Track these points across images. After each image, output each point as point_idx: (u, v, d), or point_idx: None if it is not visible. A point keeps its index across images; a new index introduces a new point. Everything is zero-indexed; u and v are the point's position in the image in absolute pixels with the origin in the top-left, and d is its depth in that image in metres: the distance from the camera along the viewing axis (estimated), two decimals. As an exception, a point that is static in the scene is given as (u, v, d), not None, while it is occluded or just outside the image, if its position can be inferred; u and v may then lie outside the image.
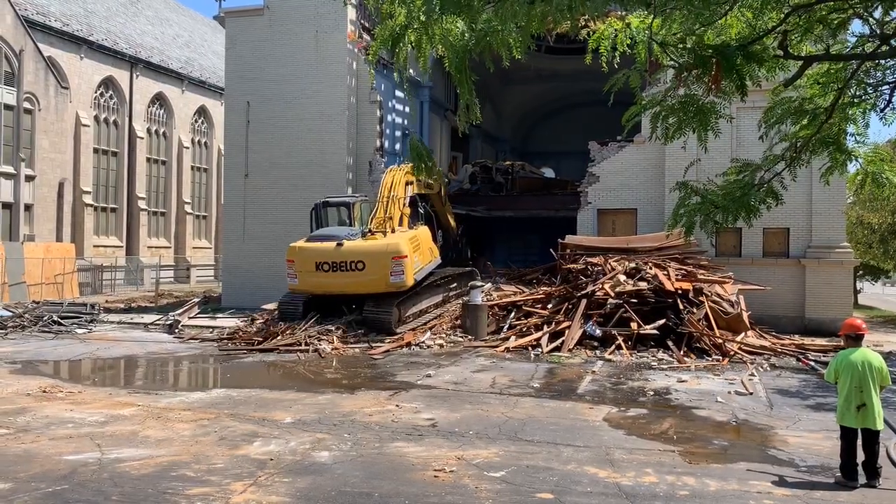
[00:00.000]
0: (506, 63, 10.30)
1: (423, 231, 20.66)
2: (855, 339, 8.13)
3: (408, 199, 20.71)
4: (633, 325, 17.06)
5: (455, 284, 22.24)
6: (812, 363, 15.64)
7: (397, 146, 27.73)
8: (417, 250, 19.09)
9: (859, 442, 7.84)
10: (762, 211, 12.79)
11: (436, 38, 9.66)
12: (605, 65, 10.56)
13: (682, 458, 8.74)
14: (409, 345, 17.56)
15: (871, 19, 11.15)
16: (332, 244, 18.34)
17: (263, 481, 7.59)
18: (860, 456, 7.82)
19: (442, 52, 10.25)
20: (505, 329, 18.58)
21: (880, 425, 7.79)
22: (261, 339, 17.89)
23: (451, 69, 10.08)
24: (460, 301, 20.95)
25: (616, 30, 10.10)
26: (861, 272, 35.80)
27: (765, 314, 20.48)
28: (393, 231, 19.11)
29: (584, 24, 16.94)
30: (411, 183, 21.28)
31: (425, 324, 19.63)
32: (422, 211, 21.65)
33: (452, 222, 26.99)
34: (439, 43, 9.83)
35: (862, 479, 7.76)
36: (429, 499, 7.12)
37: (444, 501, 7.07)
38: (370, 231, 18.82)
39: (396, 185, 20.42)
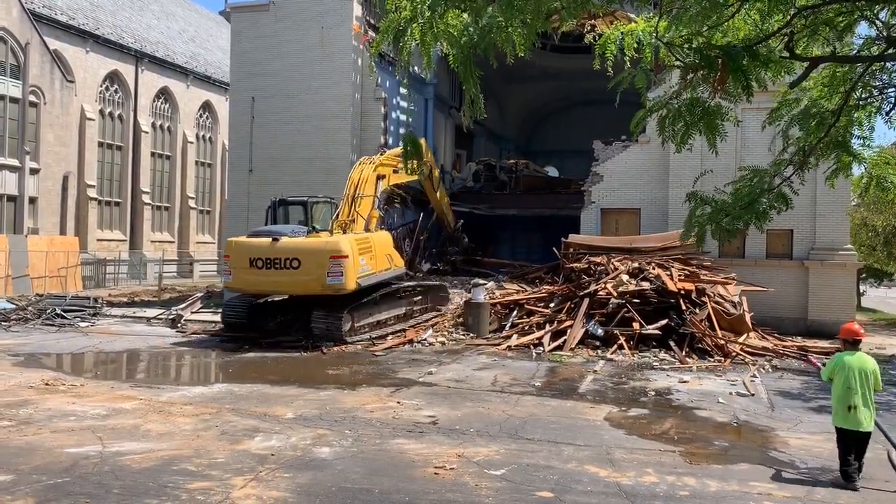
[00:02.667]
0: (510, 60, 10.30)
1: (381, 236, 19.09)
2: (853, 343, 8.30)
3: (377, 200, 19.46)
4: (636, 325, 17.05)
5: (420, 298, 20.30)
6: (820, 365, 15.61)
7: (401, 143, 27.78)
8: (367, 254, 17.51)
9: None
10: (772, 216, 12.79)
11: (440, 34, 9.65)
12: (610, 69, 10.55)
13: (682, 458, 8.74)
14: (410, 342, 17.57)
15: (877, 22, 11.12)
16: (269, 240, 17.07)
17: (264, 476, 7.60)
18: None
19: (446, 49, 10.25)
20: (507, 327, 18.59)
21: (870, 427, 7.93)
22: (262, 335, 17.79)
23: (455, 65, 10.07)
24: (426, 316, 19.80)
25: (623, 33, 10.09)
26: (864, 275, 35.75)
27: (767, 315, 20.45)
28: (368, 230, 18.12)
29: (590, 28, 16.89)
30: (384, 176, 19.89)
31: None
32: (381, 213, 20.07)
33: (448, 212, 26.20)
34: (443, 38, 9.83)
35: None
36: (429, 496, 7.13)
37: (444, 499, 7.08)
38: (314, 229, 17.63)
39: (364, 182, 18.97)
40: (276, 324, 18.50)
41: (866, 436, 7.94)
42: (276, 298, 19.15)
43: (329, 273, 16.43)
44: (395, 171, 20.65)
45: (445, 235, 27.47)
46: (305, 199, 19.27)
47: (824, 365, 8.18)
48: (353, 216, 18.33)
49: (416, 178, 22.09)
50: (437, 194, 25.01)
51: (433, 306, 20.60)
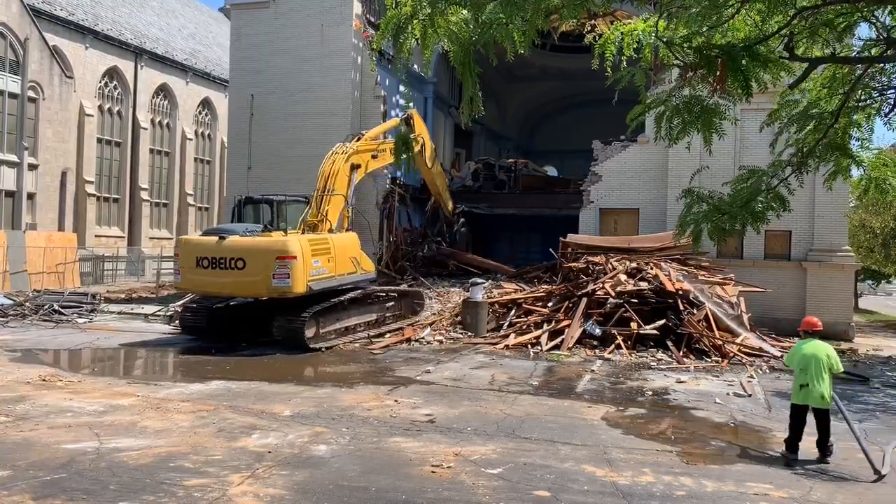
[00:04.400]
0: (510, 57, 10.31)
1: (345, 237, 17.77)
2: (812, 334, 9.10)
3: (350, 197, 18.30)
4: (633, 325, 17.06)
5: (392, 304, 19.22)
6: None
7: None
8: (323, 256, 16.34)
9: (812, 421, 8.71)
10: (769, 217, 12.78)
11: (440, 30, 9.68)
12: (609, 69, 10.57)
13: (679, 458, 8.75)
14: (408, 340, 17.56)
15: (877, 23, 11.14)
16: (216, 238, 16.10)
17: (261, 474, 7.59)
18: (814, 438, 8.71)
19: (447, 45, 10.27)
20: (505, 326, 18.57)
21: (823, 405, 8.58)
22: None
23: (456, 62, 10.09)
24: (399, 324, 18.83)
25: (623, 33, 10.11)
26: (862, 276, 35.82)
27: (765, 316, 20.47)
28: (331, 231, 17.22)
29: (590, 28, 16.89)
30: (359, 166, 18.66)
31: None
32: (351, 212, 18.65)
33: (445, 194, 25.20)
34: (444, 35, 9.86)
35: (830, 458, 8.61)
36: (426, 494, 7.13)
37: (440, 497, 7.07)
38: (266, 228, 16.60)
39: (335, 176, 17.71)
40: (243, 328, 17.62)
41: (821, 412, 8.63)
42: (240, 301, 17.95)
43: (275, 275, 15.31)
44: (373, 157, 19.46)
45: (441, 222, 26.67)
46: (272, 197, 18.04)
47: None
48: (323, 215, 17.32)
49: (400, 159, 21.41)
50: (432, 171, 23.82)
51: (407, 313, 19.61)
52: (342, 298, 17.04)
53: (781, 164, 13.07)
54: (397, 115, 27.00)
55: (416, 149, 21.17)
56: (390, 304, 19.18)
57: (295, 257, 15.41)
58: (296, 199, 18.32)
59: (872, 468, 8.13)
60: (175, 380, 13.33)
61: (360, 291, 17.95)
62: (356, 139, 19.38)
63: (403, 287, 20.95)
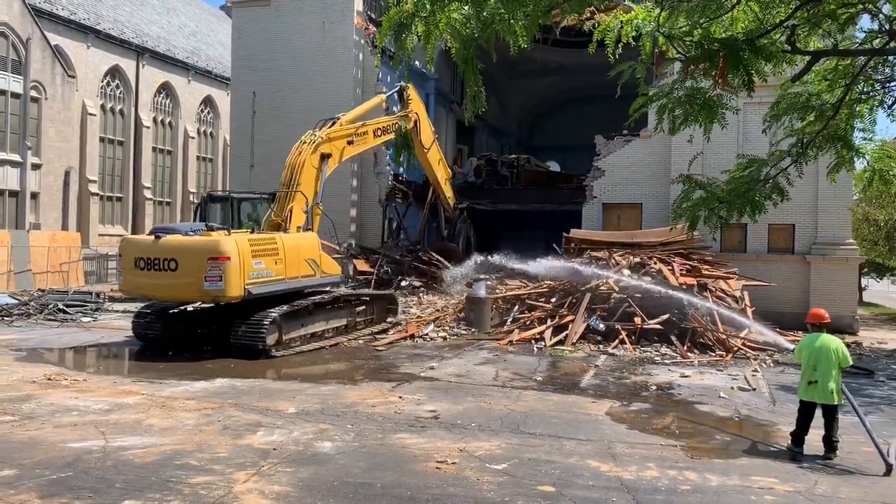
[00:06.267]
0: (513, 50, 10.30)
1: (299, 237, 16.24)
2: (818, 326, 9.01)
3: (319, 193, 17.03)
4: (637, 320, 17.05)
5: (363, 308, 17.86)
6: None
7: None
8: (270, 257, 15.02)
9: (819, 415, 8.68)
10: (768, 207, 12.77)
11: (442, 26, 9.68)
12: (611, 56, 10.54)
13: (684, 452, 8.74)
14: (412, 337, 17.56)
15: (880, 15, 11.10)
16: (152, 237, 15.15)
17: (266, 471, 7.61)
18: (821, 432, 8.65)
19: (450, 42, 10.27)
20: (508, 322, 18.58)
21: (835, 401, 8.53)
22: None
23: (458, 58, 10.09)
24: (370, 329, 17.79)
25: (622, 21, 10.09)
26: (866, 269, 35.76)
27: (769, 310, 20.40)
28: (286, 231, 16.10)
29: (589, 15, 16.81)
30: (330, 155, 17.28)
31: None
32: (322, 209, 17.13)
33: (443, 182, 23.95)
34: (445, 32, 9.86)
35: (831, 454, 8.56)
36: (430, 490, 7.14)
37: (445, 493, 7.08)
38: (208, 227, 15.46)
39: (300, 170, 16.48)
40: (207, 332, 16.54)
41: (830, 408, 8.59)
42: (197, 306, 16.88)
43: (206, 277, 14.08)
44: (349, 143, 18.12)
45: (441, 216, 25.70)
46: (230, 194, 16.89)
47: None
48: (287, 213, 16.25)
49: (385, 139, 19.54)
50: (429, 155, 22.48)
51: (380, 317, 18.48)
52: (305, 302, 15.82)
53: (781, 155, 13.06)
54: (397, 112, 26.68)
55: (410, 125, 20.00)
56: (361, 308, 17.84)
57: (228, 258, 14.12)
58: (260, 196, 17.33)
59: (884, 461, 8.09)
60: (180, 377, 13.35)
61: (354, 293, 17.24)
62: (329, 124, 17.90)
63: (372, 290, 19.61)
